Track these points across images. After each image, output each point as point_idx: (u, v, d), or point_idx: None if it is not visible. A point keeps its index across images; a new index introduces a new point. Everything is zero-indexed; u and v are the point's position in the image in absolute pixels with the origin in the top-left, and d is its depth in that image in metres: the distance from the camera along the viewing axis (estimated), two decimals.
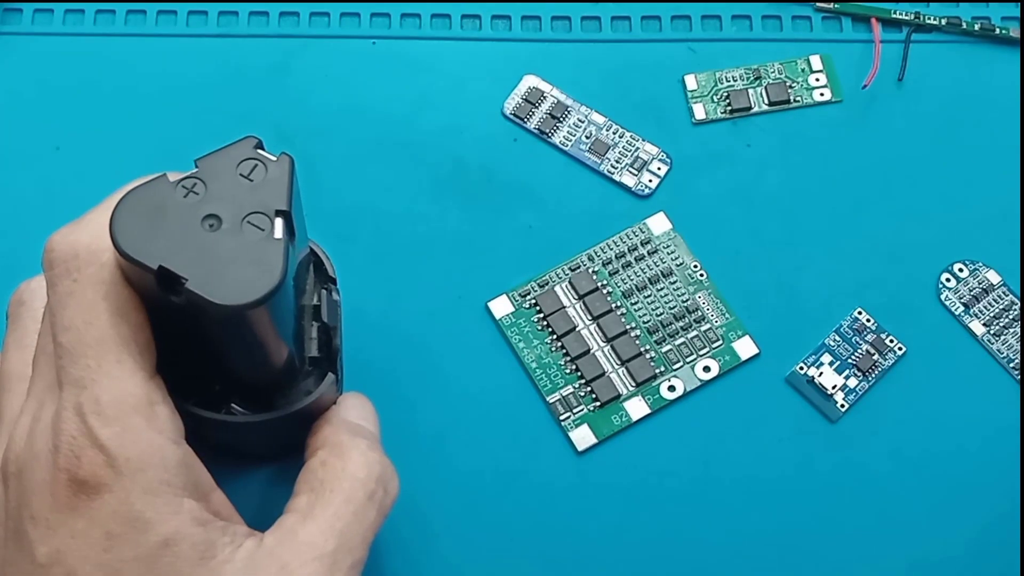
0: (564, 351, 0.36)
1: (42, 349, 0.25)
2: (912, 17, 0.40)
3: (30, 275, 0.36)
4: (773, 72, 0.40)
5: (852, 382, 0.36)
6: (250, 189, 0.24)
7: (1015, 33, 0.40)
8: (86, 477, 0.23)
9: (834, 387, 0.36)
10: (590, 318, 0.37)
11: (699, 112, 0.39)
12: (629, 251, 0.37)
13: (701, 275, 0.37)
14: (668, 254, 0.38)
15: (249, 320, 0.24)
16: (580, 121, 0.39)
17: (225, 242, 0.23)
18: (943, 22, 0.41)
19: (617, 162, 0.39)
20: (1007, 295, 0.37)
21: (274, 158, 0.25)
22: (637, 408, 0.36)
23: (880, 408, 0.36)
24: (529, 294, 0.37)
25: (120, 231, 0.23)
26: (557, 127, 0.39)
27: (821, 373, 0.36)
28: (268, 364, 0.27)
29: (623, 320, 0.37)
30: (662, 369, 0.36)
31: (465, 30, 0.40)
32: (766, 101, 0.40)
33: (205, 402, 0.28)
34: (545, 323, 0.36)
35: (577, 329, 0.36)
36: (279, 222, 0.24)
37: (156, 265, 0.23)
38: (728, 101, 0.40)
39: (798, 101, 0.40)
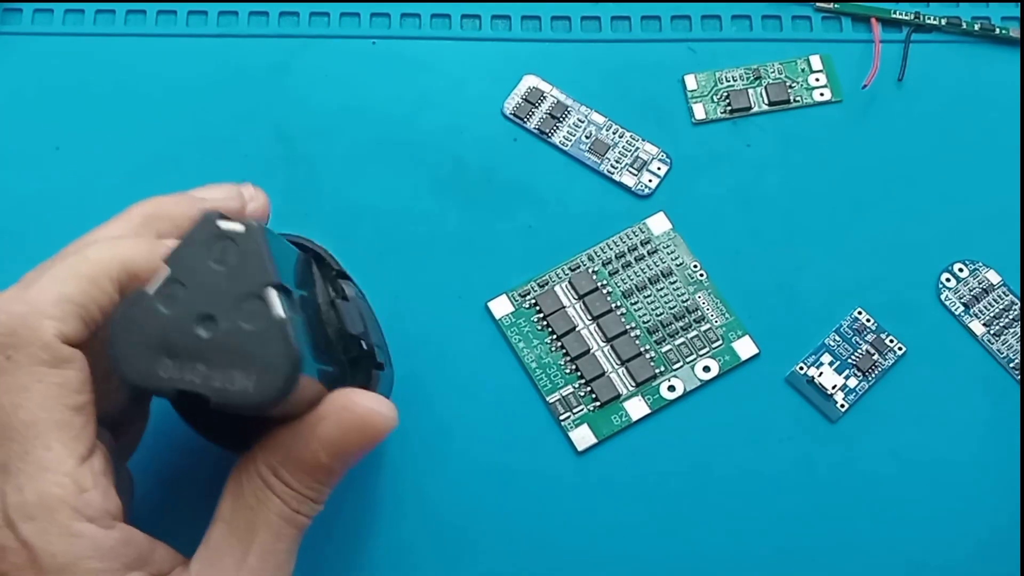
0: (564, 351, 0.36)
1: None
2: (912, 17, 0.40)
3: None
4: (773, 72, 0.40)
5: (852, 382, 0.36)
6: (229, 275, 0.23)
7: (1015, 33, 0.40)
8: (8, 571, 0.22)
9: (834, 387, 0.36)
10: (590, 318, 0.37)
11: (699, 112, 0.39)
12: (629, 251, 0.37)
13: (701, 275, 0.37)
14: (668, 254, 0.38)
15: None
16: (580, 121, 0.39)
17: (228, 340, 0.22)
18: (943, 22, 0.41)
19: (617, 162, 0.39)
20: (1007, 295, 0.37)
21: (241, 229, 0.23)
22: (637, 408, 0.36)
23: (880, 408, 0.36)
24: (529, 294, 0.37)
25: (123, 363, 0.22)
26: (557, 127, 0.39)
27: (821, 373, 0.36)
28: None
29: (623, 320, 0.37)
30: (662, 369, 0.36)
31: (465, 30, 0.40)
32: (766, 101, 0.40)
33: None
34: (545, 323, 0.36)
35: (577, 329, 0.36)
36: (273, 298, 0.22)
37: (173, 391, 0.22)
38: (728, 101, 0.39)
39: (798, 101, 0.40)
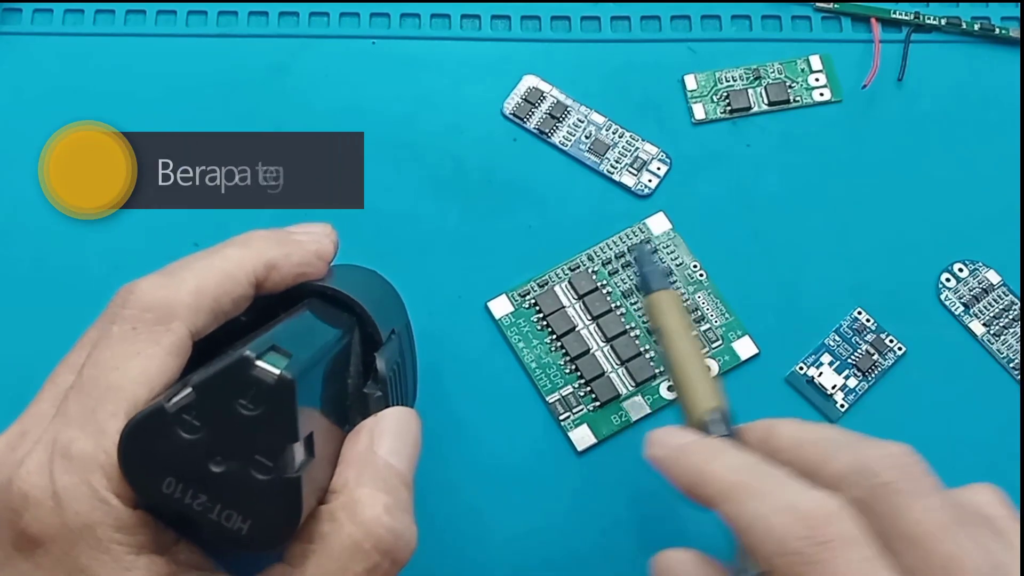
0: (564, 351, 0.36)
1: (70, 366, 0.25)
2: (912, 17, 0.40)
3: (29, 275, 0.37)
4: (773, 72, 0.40)
5: (852, 382, 0.36)
6: (253, 422, 0.22)
7: (1015, 33, 0.40)
8: (28, 524, 0.22)
9: (834, 387, 0.36)
10: (590, 318, 0.37)
11: (699, 112, 0.39)
12: (629, 251, 0.37)
13: (701, 275, 0.37)
14: (668, 254, 0.38)
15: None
16: (580, 121, 0.39)
17: (237, 481, 0.22)
18: (943, 22, 0.41)
19: (617, 162, 0.39)
20: (1007, 295, 0.37)
21: (273, 377, 0.22)
22: (637, 408, 0.36)
23: (880, 408, 0.36)
24: (529, 294, 0.37)
25: (130, 470, 0.22)
26: (557, 127, 0.39)
27: (821, 373, 0.36)
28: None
29: (623, 320, 0.37)
30: (662, 369, 0.36)
31: (465, 30, 0.40)
32: (766, 101, 0.40)
33: None
34: (545, 323, 0.36)
35: (577, 329, 0.36)
36: (291, 456, 0.22)
37: (172, 511, 0.22)
38: (728, 101, 0.39)
39: (798, 101, 0.40)
